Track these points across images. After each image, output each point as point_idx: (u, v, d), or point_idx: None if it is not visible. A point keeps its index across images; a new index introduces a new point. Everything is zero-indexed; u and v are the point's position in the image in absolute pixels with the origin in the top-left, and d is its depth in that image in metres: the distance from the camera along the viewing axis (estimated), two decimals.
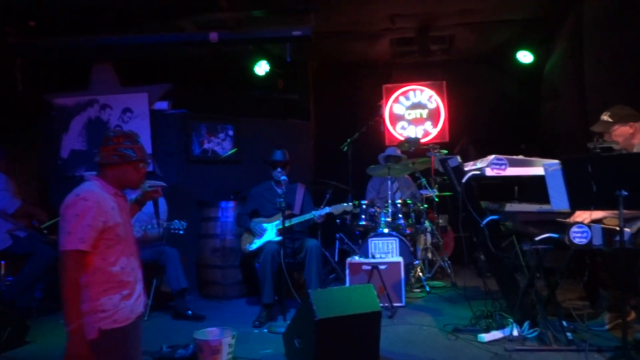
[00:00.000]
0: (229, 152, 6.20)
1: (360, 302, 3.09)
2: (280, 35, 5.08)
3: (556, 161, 3.14)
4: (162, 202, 4.90)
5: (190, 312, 4.59)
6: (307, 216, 4.71)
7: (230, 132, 6.23)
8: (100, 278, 2.23)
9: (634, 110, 3.54)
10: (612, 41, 4.85)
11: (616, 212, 2.88)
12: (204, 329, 3.43)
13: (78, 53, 5.69)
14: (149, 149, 5.70)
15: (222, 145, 6.18)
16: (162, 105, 5.87)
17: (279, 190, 4.59)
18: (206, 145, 6.09)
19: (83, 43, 5.45)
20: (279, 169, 4.81)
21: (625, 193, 2.80)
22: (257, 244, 4.73)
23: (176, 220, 4.55)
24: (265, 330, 4.14)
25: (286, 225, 4.41)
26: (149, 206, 4.75)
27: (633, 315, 3.63)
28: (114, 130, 2.48)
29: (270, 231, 4.76)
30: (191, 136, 5.99)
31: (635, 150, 3.50)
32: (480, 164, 3.51)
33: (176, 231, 4.54)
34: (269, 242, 4.64)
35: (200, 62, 6.56)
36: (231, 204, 5.48)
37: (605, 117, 3.58)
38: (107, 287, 2.24)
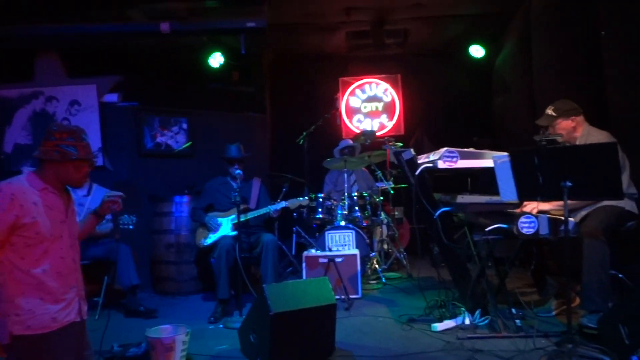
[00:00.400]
0: (184, 146, 6.07)
1: (316, 295, 3.10)
2: (233, 27, 4.99)
3: (505, 153, 3.22)
4: None
5: (143, 309, 4.48)
6: (262, 210, 4.67)
7: (184, 126, 6.10)
8: (18, 278, 2.12)
9: (575, 105, 3.68)
10: (558, 37, 5.01)
11: (561, 202, 2.98)
12: (157, 327, 3.35)
13: (21, 42, 5.43)
14: (98, 142, 5.52)
15: (175, 138, 6.04)
16: (112, 97, 5.67)
17: (234, 184, 4.54)
18: (159, 139, 5.94)
19: (26, 32, 5.19)
20: (235, 165, 4.75)
21: (570, 184, 2.90)
22: (212, 238, 4.67)
23: (125, 215, 4.39)
24: (221, 326, 4.09)
25: (242, 219, 4.35)
26: (97, 201, 4.60)
27: (578, 301, 3.79)
28: (58, 125, 2.35)
29: (225, 226, 4.69)
30: (143, 129, 5.83)
31: (577, 142, 3.64)
32: (432, 156, 3.56)
33: (125, 226, 4.37)
34: (224, 237, 4.58)
35: (152, 53, 6.38)
36: (185, 198, 5.38)
37: (549, 111, 3.71)
38: (25, 289, 2.12)
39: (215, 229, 4.67)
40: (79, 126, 2.39)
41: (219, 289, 4.39)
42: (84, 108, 5.55)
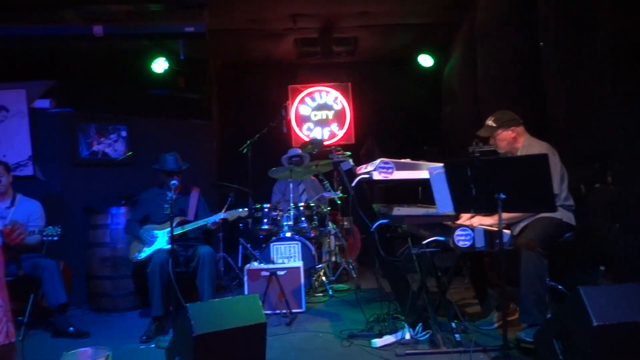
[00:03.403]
0: (123, 155, 5.79)
1: (244, 314, 2.93)
2: (172, 31, 4.80)
3: (440, 165, 3.15)
4: (38, 208, 4.46)
5: (72, 328, 4.20)
6: (200, 222, 4.46)
7: (124, 133, 5.82)
8: None
9: (515, 115, 3.64)
10: (500, 48, 5.04)
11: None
12: (75, 350, 3.15)
13: None
14: (28, 151, 5.23)
15: (114, 146, 5.76)
16: (44, 103, 5.35)
17: (170, 195, 4.32)
18: (96, 147, 5.64)
19: None
20: (173, 176, 4.48)
21: (504, 196, 2.85)
22: (146, 252, 4.42)
23: (50, 227, 4.15)
24: (153, 345, 3.87)
25: (179, 231, 4.14)
26: (21, 213, 4.32)
27: (517, 314, 3.74)
28: None
29: (161, 238, 4.46)
30: (78, 137, 5.52)
31: (518, 153, 3.60)
32: (369, 167, 3.47)
33: (50, 238, 4.13)
34: (158, 251, 4.35)
35: (90, 57, 6.10)
36: (122, 209, 5.12)
37: (489, 122, 3.65)
38: None
39: (149, 242, 4.44)
40: None
41: (152, 306, 4.17)
42: (13, 114, 5.21)
